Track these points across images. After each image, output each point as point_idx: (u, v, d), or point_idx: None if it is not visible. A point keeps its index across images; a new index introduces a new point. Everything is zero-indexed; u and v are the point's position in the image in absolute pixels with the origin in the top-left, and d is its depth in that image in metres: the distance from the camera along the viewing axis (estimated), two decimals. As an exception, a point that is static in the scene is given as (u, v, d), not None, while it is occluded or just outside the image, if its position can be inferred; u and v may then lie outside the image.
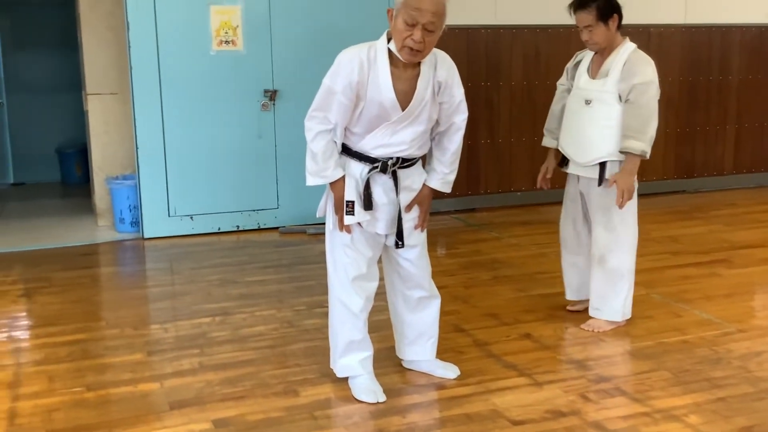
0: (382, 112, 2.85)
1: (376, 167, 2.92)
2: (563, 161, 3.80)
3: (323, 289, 3.37)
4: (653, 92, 3.50)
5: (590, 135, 3.60)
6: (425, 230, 3.11)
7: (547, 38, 6.60)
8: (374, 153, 2.92)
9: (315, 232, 5.72)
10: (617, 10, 3.54)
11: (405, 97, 2.85)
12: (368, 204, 2.93)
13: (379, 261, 3.12)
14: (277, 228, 5.93)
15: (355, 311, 3.02)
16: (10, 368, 3.41)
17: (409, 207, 3.03)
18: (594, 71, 3.65)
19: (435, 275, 3.25)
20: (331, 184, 2.95)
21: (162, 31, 5.48)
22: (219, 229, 5.83)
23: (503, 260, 5.05)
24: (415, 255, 3.08)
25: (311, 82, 3.52)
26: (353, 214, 2.92)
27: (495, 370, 3.30)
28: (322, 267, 3.41)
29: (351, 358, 3.08)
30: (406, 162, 2.98)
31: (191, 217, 5.76)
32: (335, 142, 2.92)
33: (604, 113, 3.55)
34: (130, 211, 5.83)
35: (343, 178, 2.93)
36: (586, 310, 3.86)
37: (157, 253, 5.40)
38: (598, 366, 3.35)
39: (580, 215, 3.82)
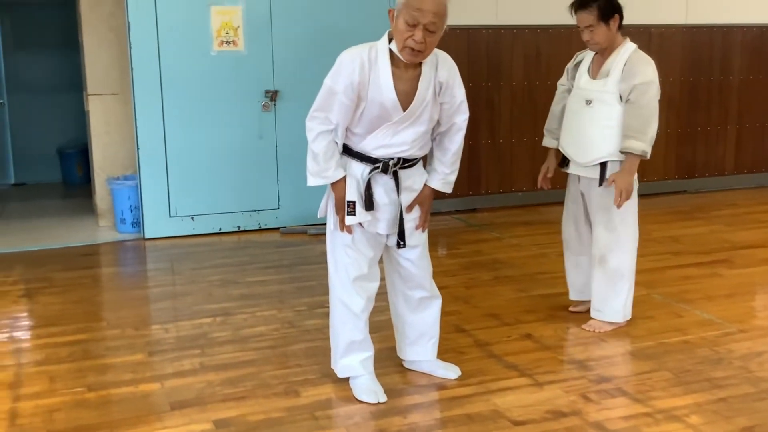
0: (383, 113, 2.85)
1: (378, 168, 2.92)
2: (563, 161, 3.80)
3: (324, 290, 3.37)
4: (654, 92, 3.50)
5: (591, 135, 3.60)
6: (426, 230, 3.11)
7: (548, 38, 6.60)
8: (375, 153, 2.92)
9: (316, 232, 5.72)
10: (618, 10, 3.54)
11: (406, 98, 2.85)
12: (369, 204, 2.93)
13: (380, 261, 3.12)
14: (278, 228, 5.93)
15: (356, 311, 3.02)
16: (11, 368, 3.41)
17: (410, 207, 3.03)
18: (594, 71, 3.65)
19: (436, 275, 3.25)
20: (332, 184, 2.95)
21: (163, 32, 5.48)
22: (220, 229, 5.84)
23: (504, 260, 5.05)
24: (416, 255, 3.08)
25: (312, 82, 3.53)
26: (354, 215, 2.92)
27: (496, 371, 3.30)
28: (323, 267, 3.41)
29: (352, 358, 3.08)
30: (407, 162, 2.98)
31: (192, 218, 5.76)
32: (336, 142, 2.92)
33: (605, 113, 3.55)
34: (131, 211, 5.83)
35: (344, 178, 2.93)
36: (588, 310, 3.86)
37: (158, 254, 5.40)
38: (599, 366, 3.35)
39: (582, 216, 3.82)
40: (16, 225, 6.34)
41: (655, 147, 3.56)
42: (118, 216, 5.90)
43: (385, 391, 3.05)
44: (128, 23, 5.41)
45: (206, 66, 5.61)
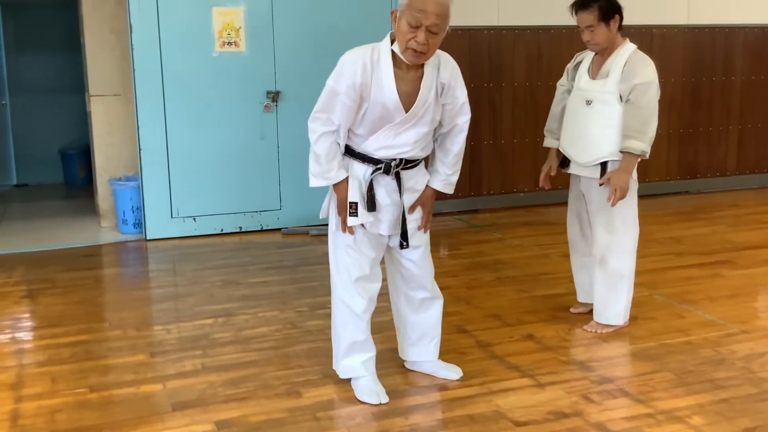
0: (385, 114, 2.85)
1: (380, 168, 2.93)
2: (564, 162, 3.80)
3: (326, 291, 3.37)
4: (653, 92, 3.50)
5: (591, 135, 3.60)
6: (428, 231, 3.11)
7: (550, 39, 6.60)
8: (377, 154, 2.92)
9: (318, 233, 5.72)
10: (618, 10, 3.55)
11: (408, 99, 2.85)
12: (371, 205, 2.93)
13: (382, 262, 3.12)
14: (279, 229, 5.93)
15: (357, 312, 3.02)
16: (13, 369, 3.41)
17: (412, 208, 3.03)
18: (594, 72, 3.65)
19: (438, 276, 3.25)
20: (335, 185, 2.95)
21: (165, 33, 5.49)
22: (222, 230, 5.84)
23: (506, 261, 5.05)
24: (418, 256, 3.08)
25: (314, 83, 3.53)
26: (356, 216, 2.92)
27: (498, 371, 3.29)
28: (324, 268, 3.41)
29: (354, 359, 3.08)
30: (409, 163, 2.98)
31: (194, 219, 5.76)
32: (338, 143, 2.92)
33: (605, 113, 3.55)
34: (133, 212, 5.84)
35: (347, 179, 2.93)
36: (589, 311, 3.86)
37: (159, 255, 5.40)
38: (601, 367, 3.35)
39: (586, 216, 3.81)
40: (18, 226, 6.35)
41: (656, 148, 3.56)
42: (120, 217, 5.90)
43: (387, 392, 3.05)
44: (130, 24, 5.42)
45: (208, 67, 5.62)
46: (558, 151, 3.82)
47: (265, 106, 5.79)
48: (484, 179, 6.63)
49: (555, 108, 3.87)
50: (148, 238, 5.68)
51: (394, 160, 2.93)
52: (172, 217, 5.71)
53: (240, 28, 5.65)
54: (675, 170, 7.25)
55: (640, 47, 3.63)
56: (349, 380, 3.13)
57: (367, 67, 2.81)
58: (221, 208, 5.81)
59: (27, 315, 4.17)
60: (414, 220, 3.04)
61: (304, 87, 5.68)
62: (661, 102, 3.56)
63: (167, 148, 5.60)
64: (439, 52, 2.89)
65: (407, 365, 3.32)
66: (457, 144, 3.04)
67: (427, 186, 3.06)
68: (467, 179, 6.48)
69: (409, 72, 2.85)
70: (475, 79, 6.32)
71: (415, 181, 3.03)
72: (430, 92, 2.88)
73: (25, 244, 5.66)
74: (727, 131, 7.39)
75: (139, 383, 3.24)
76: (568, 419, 2.87)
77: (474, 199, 6.61)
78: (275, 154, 5.87)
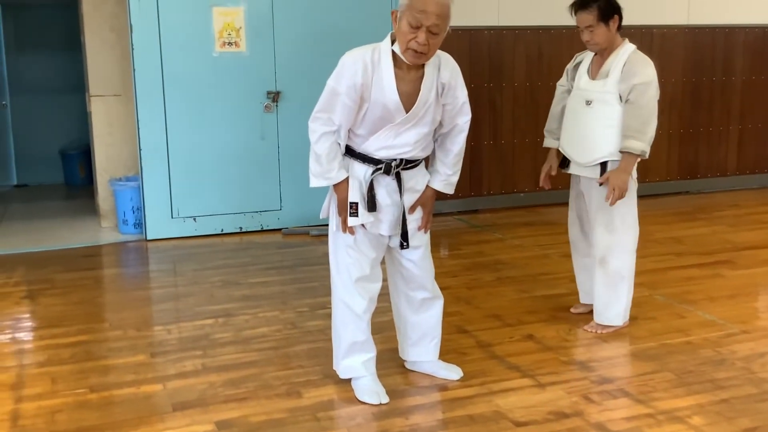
0: (385, 114, 2.85)
1: (380, 169, 2.93)
2: (564, 162, 3.80)
3: (326, 291, 3.37)
4: (653, 92, 3.51)
5: (591, 135, 3.60)
6: (429, 231, 3.11)
7: (550, 39, 6.60)
8: (378, 154, 2.92)
9: (318, 233, 5.72)
10: (618, 11, 3.56)
11: (409, 99, 2.85)
12: (372, 205, 2.93)
13: (382, 262, 3.12)
14: (280, 229, 5.93)
15: (358, 312, 3.02)
16: (14, 370, 3.41)
17: (412, 208, 3.03)
18: (594, 72, 3.65)
19: (438, 276, 3.25)
20: (335, 185, 2.95)
21: (165, 33, 5.49)
22: (222, 230, 5.84)
23: (506, 261, 5.05)
24: (419, 256, 3.08)
25: (314, 83, 3.53)
26: (357, 216, 2.92)
27: (498, 372, 3.29)
28: (325, 268, 3.41)
29: (354, 359, 3.08)
30: (409, 163, 2.98)
31: (194, 219, 5.76)
32: (339, 143, 2.92)
33: (605, 114, 3.56)
34: (134, 212, 5.84)
35: (347, 179, 2.93)
36: (589, 312, 3.86)
37: (160, 255, 5.40)
38: (601, 367, 3.35)
39: (586, 216, 3.81)
40: (18, 226, 6.35)
41: (657, 148, 3.57)
42: (120, 217, 5.90)
43: (387, 392, 3.05)
44: (130, 24, 5.42)
45: (208, 67, 5.62)
46: (558, 151, 3.82)
47: (266, 106, 5.79)
48: (485, 179, 6.63)
49: (555, 108, 3.87)
50: (148, 238, 5.68)
51: (395, 160, 2.93)
52: (172, 218, 5.71)
53: (240, 28, 5.65)
54: (675, 170, 7.25)
55: (640, 47, 3.63)
56: (349, 380, 3.13)
57: (367, 68, 2.81)
58: (221, 209, 5.81)
59: (27, 315, 4.17)
60: (414, 220, 3.04)
61: (304, 87, 5.68)
62: (662, 102, 3.56)
63: (167, 148, 5.60)
64: (439, 52, 2.89)
65: (407, 365, 3.32)
66: (457, 144, 3.04)
67: (427, 186, 3.06)
68: (467, 179, 6.48)
69: (410, 72, 2.85)
70: (476, 80, 6.32)
71: (416, 181, 3.03)
72: (431, 92, 2.88)
73: (25, 245, 5.66)
74: (728, 131, 7.39)
75: (139, 383, 3.24)
76: (568, 419, 2.87)
77: (474, 199, 6.61)
78: (275, 155, 5.87)
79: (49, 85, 8.56)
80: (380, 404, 2.99)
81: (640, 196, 3.74)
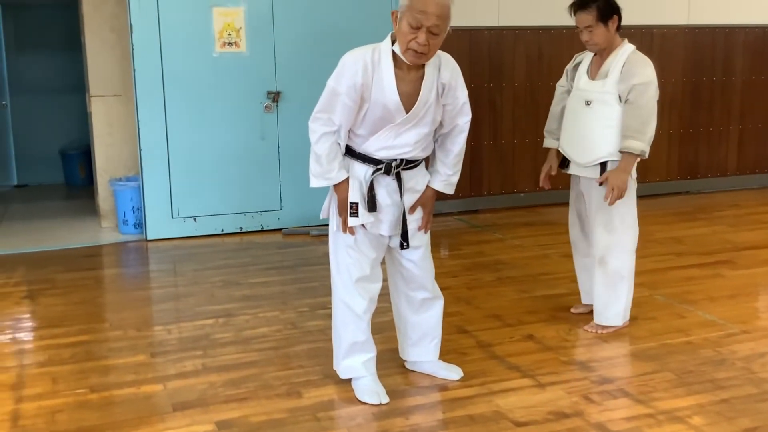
0: (386, 114, 2.85)
1: (380, 169, 2.93)
2: (564, 162, 3.80)
3: (326, 291, 3.37)
4: (652, 93, 3.51)
5: (591, 136, 3.61)
6: (429, 231, 3.11)
7: (550, 39, 6.60)
8: (378, 155, 2.92)
9: (318, 233, 5.72)
10: (617, 11, 3.56)
11: (409, 99, 2.85)
12: (372, 206, 2.93)
13: (383, 262, 3.12)
14: (280, 230, 5.93)
15: (358, 313, 3.02)
16: (14, 370, 3.41)
17: (412, 209, 3.03)
18: (593, 72, 3.66)
19: (438, 276, 3.25)
20: (335, 186, 2.95)
21: (165, 33, 5.49)
22: (222, 230, 5.84)
23: (506, 261, 5.05)
24: (419, 256, 3.08)
25: (314, 83, 3.53)
26: (357, 216, 2.92)
27: (498, 372, 3.29)
28: (325, 268, 3.41)
29: (354, 359, 3.08)
30: (409, 164, 2.98)
31: (194, 219, 5.76)
32: (339, 144, 2.92)
33: (605, 114, 3.56)
34: (134, 212, 5.84)
35: (347, 179, 2.93)
36: (590, 312, 3.86)
37: (160, 255, 5.41)
38: (601, 367, 3.35)
39: (587, 216, 3.81)
40: (18, 226, 6.35)
41: (657, 148, 3.57)
42: (120, 217, 5.90)
43: (388, 392, 3.05)
44: (130, 25, 5.42)
45: (208, 67, 5.62)
46: (558, 151, 3.83)
47: (266, 106, 5.79)
48: (485, 179, 6.64)
49: (554, 108, 3.87)
50: (148, 238, 5.68)
51: (395, 160, 2.93)
52: (172, 218, 5.71)
53: (240, 28, 5.65)
54: (675, 170, 7.25)
55: (641, 47, 3.63)
56: (349, 380, 3.13)
57: (368, 68, 2.81)
58: (222, 209, 5.82)
59: (27, 315, 4.17)
60: (414, 220, 3.04)
61: (304, 87, 5.68)
62: (662, 102, 3.56)
63: (168, 148, 5.60)
64: (439, 52, 2.89)
65: (408, 365, 3.32)
66: (457, 144, 3.04)
67: (427, 186, 3.06)
68: (468, 179, 6.48)
69: (410, 72, 2.85)
70: (476, 80, 6.33)
71: (416, 181, 3.03)
72: (431, 93, 2.88)
73: (25, 245, 5.66)
74: (728, 131, 7.39)
75: (139, 383, 3.24)
76: (568, 419, 2.87)
77: (474, 199, 6.61)
78: (276, 155, 5.87)
79: (49, 85, 8.56)
80: (380, 404, 2.99)
81: (640, 196, 3.74)
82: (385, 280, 3.14)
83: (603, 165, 3.58)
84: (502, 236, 5.75)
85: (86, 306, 4.29)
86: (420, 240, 3.07)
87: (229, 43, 5.65)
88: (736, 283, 4.51)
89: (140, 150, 5.57)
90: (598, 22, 3.52)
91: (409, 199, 3.02)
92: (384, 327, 3.59)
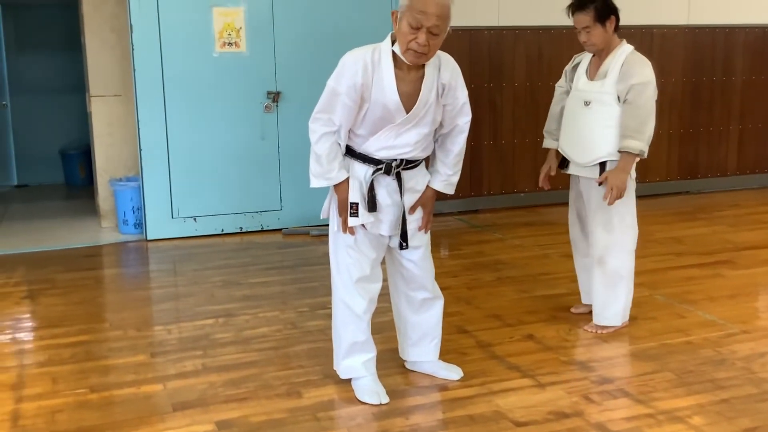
0: (386, 114, 2.85)
1: (381, 169, 2.93)
2: (563, 163, 3.81)
3: (326, 291, 3.37)
4: (651, 92, 3.51)
5: (590, 136, 3.61)
6: (429, 231, 3.11)
7: (550, 39, 6.60)
8: (378, 155, 2.92)
9: (318, 233, 5.72)
10: (614, 11, 3.57)
11: (409, 100, 2.85)
12: (372, 206, 2.93)
13: (383, 262, 3.12)
14: (280, 230, 5.93)
15: (358, 313, 3.02)
16: (14, 370, 3.41)
17: (413, 209, 3.03)
18: (592, 73, 3.66)
19: (438, 276, 3.25)
20: (335, 186, 2.95)
21: (165, 33, 5.49)
22: (222, 230, 5.84)
23: (506, 261, 5.05)
24: (419, 256, 3.08)
25: (314, 83, 3.53)
26: (357, 216, 2.92)
27: (498, 372, 3.29)
28: (325, 268, 3.41)
29: (354, 359, 3.08)
30: (410, 164, 2.98)
31: (194, 219, 5.76)
32: (339, 144, 2.92)
33: (604, 114, 3.56)
34: (134, 212, 5.84)
35: (347, 180, 2.93)
36: (590, 312, 3.86)
37: (160, 255, 5.41)
38: (601, 367, 3.35)
39: (587, 216, 3.81)
40: (18, 226, 6.35)
41: (657, 148, 3.58)
42: (120, 217, 5.90)
43: (388, 392, 3.05)
44: (131, 25, 5.42)
45: (208, 67, 5.62)
46: (557, 151, 3.83)
47: (266, 106, 5.80)
48: (485, 179, 6.64)
49: (554, 109, 3.88)
50: (148, 238, 5.68)
51: (395, 160, 2.93)
52: (172, 218, 5.71)
53: (240, 28, 5.65)
54: (675, 170, 7.25)
55: (641, 47, 3.64)
56: (349, 380, 3.13)
57: (368, 68, 2.81)
58: (222, 209, 5.82)
59: (27, 315, 4.17)
60: (414, 220, 3.04)
61: (304, 87, 5.68)
62: (662, 102, 3.57)
63: (168, 148, 5.60)
64: (439, 52, 2.89)
65: (408, 365, 3.32)
66: (457, 144, 3.04)
67: (427, 186, 3.06)
68: (468, 179, 6.48)
69: (410, 73, 2.85)
70: (476, 80, 6.33)
71: (416, 181, 3.03)
72: (431, 93, 2.88)
73: (25, 245, 5.66)
74: (728, 131, 7.39)
75: (139, 383, 3.24)
76: (568, 419, 2.87)
77: (474, 199, 6.61)
78: (276, 155, 5.87)
79: (49, 85, 8.56)
80: (380, 404, 2.99)
81: (640, 196, 3.74)
82: (385, 280, 3.14)
83: (602, 165, 3.58)
84: (502, 236, 5.75)
85: (86, 306, 4.29)
86: (420, 240, 3.07)
87: (229, 43, 5.65)
88: (736, 283, 4.51)
89: (140, 150, 5.57)
90: (595, 22, 3.53)
91: (410, 199, 3.02)
92: (384, 327, 3.59)
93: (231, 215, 5.85)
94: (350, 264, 2.99)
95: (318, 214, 3.14)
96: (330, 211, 3.05)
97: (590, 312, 3.85)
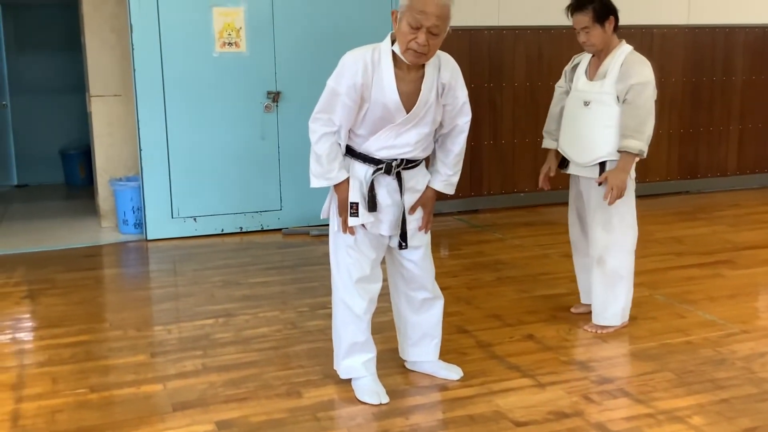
0: (386, 114, 2.85)
1: (381, 169, 2.93)
2: (563, 163, 3.81)
3: (326, 291, 3.37)
4: (650, 92, 3.52)
5: (590, 136, 3.61)
6: (429, 231, 3.11)
7: (550, 39, 6.60)
8: (379, 155, 2.92)
9: (318, 233, 5.72)
10: (613, 12, 3.57)
11: (409, 99, 2.85)
12: (372, 206, 2.93)
13: (383, 262, 3.12)
14: (280, 229, 5.93)
15: (358, 313, 3.02)
16: (14, 370, 3.41)
17: (413, 209, 3.03)
18: (592, 73, 3.67)
19: (438, 276, 3.25)
20: (335, 186, 2.95)
21: (165, 33, 5.49)
22: (222, 230, 5.84)
23: (506, 261, 5.05)
24: (419, 256, 3.08)
25: (314, 83, 3.53)
26: (357, 216, 2.92)
27: (498, 372, 3.30)
28: (325, 268, 3.41)
29: (354, 359, 3.08)
30: (410, 163, 2.98)
31: (194, 219, 5.76)
32: (339, 144, 2.92)
33: (603, 114, 3.56)
34: (134, 212, 5.84)
35: (348, 180, 2.93)
36: (590, 312, 3.86)
37: (160, 255, 5.41)
38: (601, 367, 3.35)
39: (586, 216, 3.82)
40: (18, 226, 6.35)
41: (657, 148, 3.58)
42: (120, 217, 5.90)
43: (388, 392, 3.05)
44: (130, 25, 5.42)
45: (208, 67, 5.62)
46: (557, 152, 3.83)
47: (266, 106, 5.80)
48: (485, 179, 6.64)
49: (553, 109, 3.88)
50: (148, 238, 5.68)
51: (395, 160, 2.93)
52: (172, 218, 5.71)
53: (240, 28, 5.65)
54: (675, 170, 7.25)
55: (641, 47, 3.64)
56: (349, 380, 3.13)
57: (368, 68, 2.81)
58: (222, 209, 5.82)
59: (27, 315, 4.17)
60: (414, 220, 3.04)
61: (304, 87, 5.68)
62: (662, 102, 3.57)
63: (168, 148, 5.60)
64: (439, 52, 2.89)
65: (408, 365, 3.32)
66: (457, 144, 3.04)
67: (427, 186, 3.06)
68: (468, 179, 6.48)
69: (410, 72, 2.85)
70: (476, 80, 6.33)
71: (416, 181, 3.03)
72: (431, 93, 2.88)
73: (25, 245, 5.66)
74: (728, 131, 7.39)
75: (139, 383, 3.24)
76: (568, 419, 2.87)
77: (474, 199, 6.61)
78: (276, 155, 5.87)
79: (49, 85, 8.56)
80: (380, 404, 2.99)
81: (639, 196, 3.74)
82: (385, 280, 3.14)
83: (602, 165, 3.58)
84: (502, 236, 5.75)
85: (86, 306, 4.29)
86: (420, 240, 3.07)
87: (229, 43, 5.65)
88: (736, 283, 4.51)
89: (140, 150, 5.58)
90: (594, 23, 3.53)
91: (410, 199, 3.02)
92: (384, 327, 3.59)
93: (231, 215, 5.85)
94: (350, 264, 2.99)
95: (318, 214, 3.14)
96: (330, 211, 3.05)
97: (590, 312, 3.85)
